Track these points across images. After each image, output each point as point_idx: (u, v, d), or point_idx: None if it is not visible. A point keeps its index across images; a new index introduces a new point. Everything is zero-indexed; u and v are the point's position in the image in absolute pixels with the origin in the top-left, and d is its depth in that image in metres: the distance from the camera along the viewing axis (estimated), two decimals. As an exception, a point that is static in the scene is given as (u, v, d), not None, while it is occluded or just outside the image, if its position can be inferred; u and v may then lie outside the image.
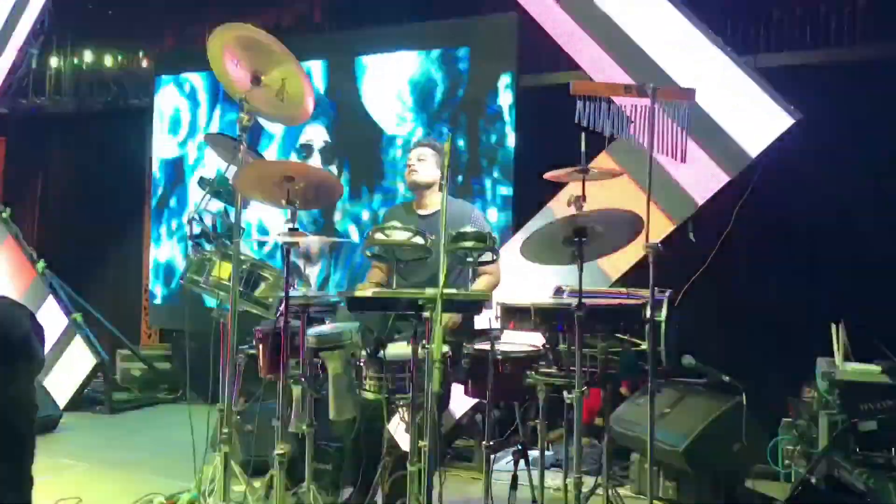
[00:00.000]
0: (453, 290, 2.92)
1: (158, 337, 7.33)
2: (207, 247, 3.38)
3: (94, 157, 7.59)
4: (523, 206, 5.11)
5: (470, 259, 3.00)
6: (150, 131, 6.92)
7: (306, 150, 6.27)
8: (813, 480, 3.00)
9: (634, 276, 4.37)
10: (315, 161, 6.19)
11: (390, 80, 5.93)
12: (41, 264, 6.30)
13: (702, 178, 4.25)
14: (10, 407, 2.30)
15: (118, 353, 6.67)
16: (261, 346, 3.37)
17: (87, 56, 7.51)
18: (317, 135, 6.30)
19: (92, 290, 6.93)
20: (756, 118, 4.14)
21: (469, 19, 5.67)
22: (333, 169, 6.15)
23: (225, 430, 3.28)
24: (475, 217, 3.68)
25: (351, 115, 6.08)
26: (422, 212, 3.80)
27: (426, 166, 3.73)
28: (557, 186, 4.00)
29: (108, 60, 7.50)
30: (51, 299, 6.21)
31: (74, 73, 7.50)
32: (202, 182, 3.37)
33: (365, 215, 6.08)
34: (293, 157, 6.25)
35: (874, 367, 3.41)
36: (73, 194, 7.83)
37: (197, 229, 3.34)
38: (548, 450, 4.39)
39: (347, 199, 6.07)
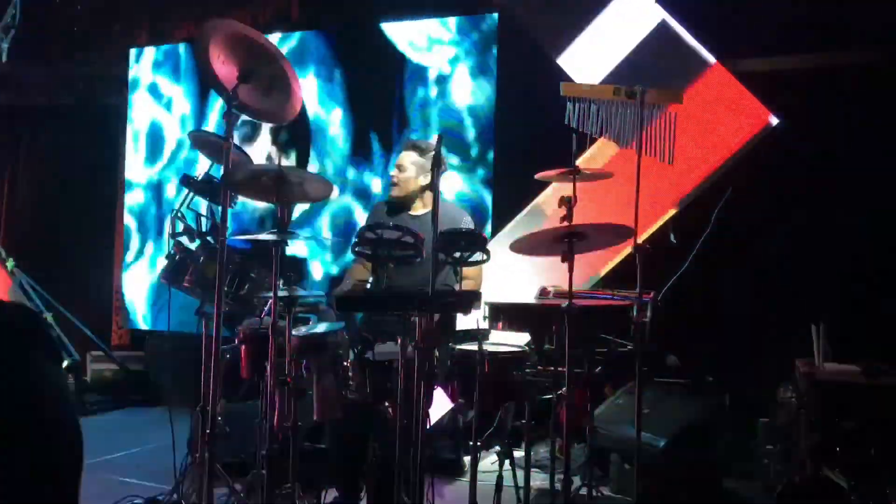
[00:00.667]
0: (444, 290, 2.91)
1: (129, 337, 7.20)
2: (190, 245, 3.34)
3: (65, 155, 7.43)
4: (502, 206, 5.13)
5: (460, 256, 2.98)
6: (123, 129, 6.81)
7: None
8: (797, 480, 3.04)
9: (614, 276, 4.42)
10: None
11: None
12: (10, 262, 6.15)
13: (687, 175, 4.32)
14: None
15: (89, 355, 6.54)
16: (244, 347, 3.34)
17: (58, 52, 7.35)
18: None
19: (61, 290, 6.78)
20: (740, 116, 4.23)
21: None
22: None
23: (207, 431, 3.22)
24: (466, 222, 3.68)
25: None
26: (411, 213, 3.79)
27: (405, 177, 3.72)
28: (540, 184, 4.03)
29: (79, 57, 7.35)
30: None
31: (44, 69, 7.34)
32: (186, 180, 3.33)
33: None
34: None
35: (853, 368, 3.47)
36: (42, 192, 7.65)
37: (179, 227, 3.30)
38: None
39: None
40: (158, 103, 6.08)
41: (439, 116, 4.99)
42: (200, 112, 5.97)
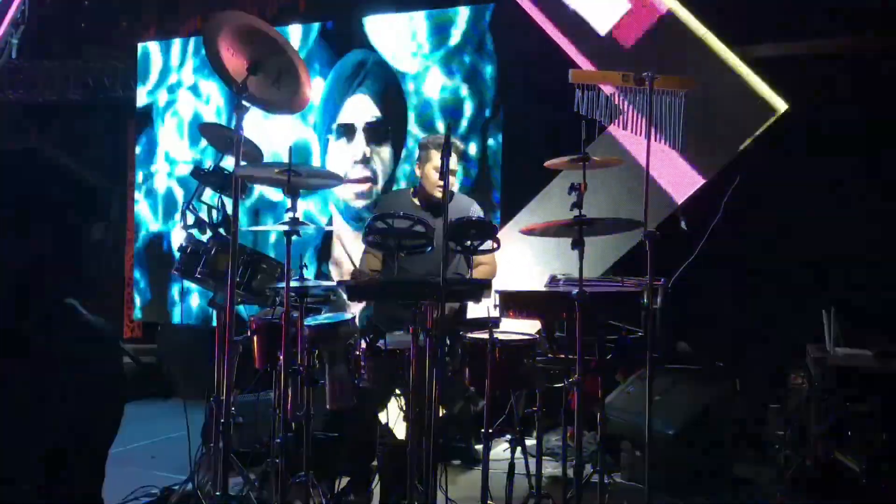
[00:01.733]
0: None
1: (142, 330, 7.25)
2: (202, 237, 3.35)
3: (73, 150, 7.46)
4: (511, 195, 5.13)
5: (470, 245, 2.99)
6: (132, 124, 6.85)
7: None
8: (809, 464, 3.05)
9: (625, 264, 4.43)
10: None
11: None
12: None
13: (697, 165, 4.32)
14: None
15: (101, 347, 6.57)
16: (256, 337, 3.35)
17: (66, 48, 7.38)
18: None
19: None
20: (750, 105, 4.22)
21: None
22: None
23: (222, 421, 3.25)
24: (474, 211, 3.69)
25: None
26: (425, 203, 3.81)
27: (453, 181, 3.75)
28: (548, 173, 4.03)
29: (87, 53, 7.37)
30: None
31: (52, 64, 7.37)
32: (196, 172, 3.34)
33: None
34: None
35: (865, 353, 3.47)
36: (52, 187, 7.71)
37: (191, 219, 3.32)
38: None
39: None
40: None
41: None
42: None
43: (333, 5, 6.14)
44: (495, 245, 3.01)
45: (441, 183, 3.69)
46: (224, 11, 3.06)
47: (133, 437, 5.12)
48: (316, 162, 5.82)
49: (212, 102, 6.61)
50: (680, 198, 4.50)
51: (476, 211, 3.70)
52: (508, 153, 5.27)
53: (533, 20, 4.87)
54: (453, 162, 3.73)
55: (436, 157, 3.59)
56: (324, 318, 3.34)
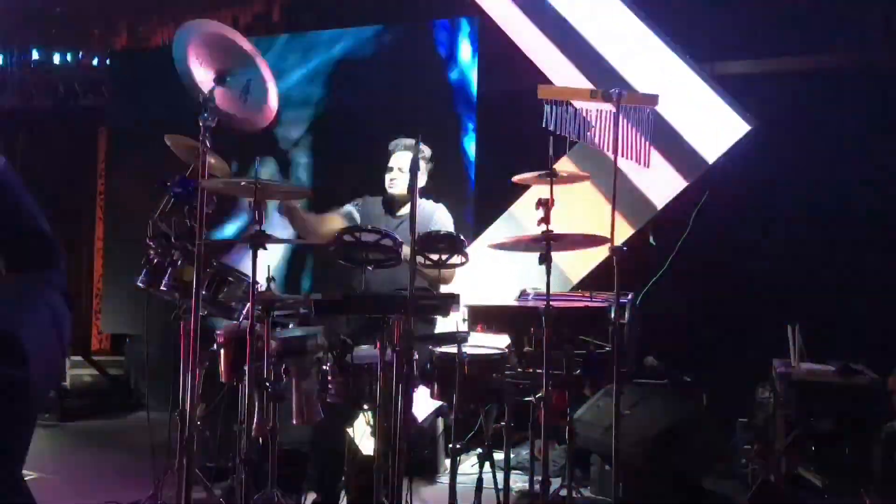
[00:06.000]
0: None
1: (110, 342, 7.15)
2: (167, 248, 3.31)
3: (43, 157, 7.37)
4: (484, 208, 5.13)
5: (439, 259, 2.98)
6: (102, 133, 6.77)
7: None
8: (772, 479, 3.07)
9: (594, 279, 4.43)
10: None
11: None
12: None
13: (661, 183, 4.34)
14: None
15: (69, 360, 6.47)
16: (223, 351, 3.31)
17: (37, 55, 7.29)
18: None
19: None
20: (713, 124, 4.25)
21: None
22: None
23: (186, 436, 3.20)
24: (438, 217, 3.69)
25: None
26: (399, 212, 3.81)
27: (406, 177, 3.71)
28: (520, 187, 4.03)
29: (57, 58, 7.29)
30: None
31: (22, 70, 7.28)
32: (162, 184, 3.30)
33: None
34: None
35: (828, 368, 3.51)
36: (20, 195, 7.58)
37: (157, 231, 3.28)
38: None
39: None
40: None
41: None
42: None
43: (308, 15, 6.14)
44: (463, 259, 3.01)
45: (390, 178, 3.78)
46: (195, 20, 3.03)
47: (99, 450, 5.05)
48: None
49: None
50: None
51: (440, 218, 3.69)
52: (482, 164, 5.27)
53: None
54: (404, 158, 3.74)
55: (392, 158, 3.83)
56: (292, 331, 3.31)
